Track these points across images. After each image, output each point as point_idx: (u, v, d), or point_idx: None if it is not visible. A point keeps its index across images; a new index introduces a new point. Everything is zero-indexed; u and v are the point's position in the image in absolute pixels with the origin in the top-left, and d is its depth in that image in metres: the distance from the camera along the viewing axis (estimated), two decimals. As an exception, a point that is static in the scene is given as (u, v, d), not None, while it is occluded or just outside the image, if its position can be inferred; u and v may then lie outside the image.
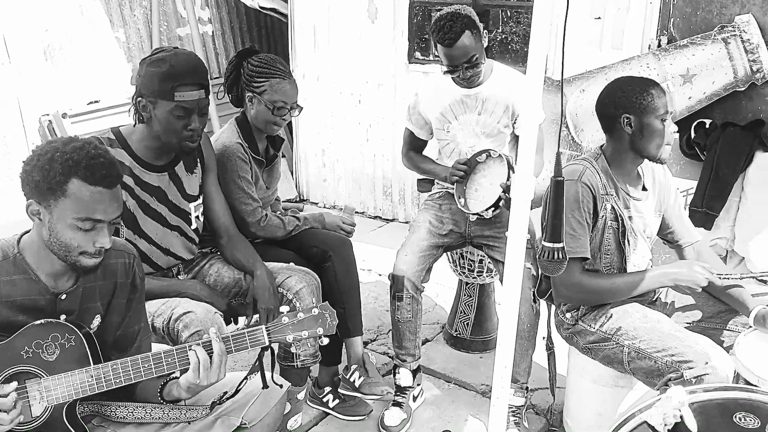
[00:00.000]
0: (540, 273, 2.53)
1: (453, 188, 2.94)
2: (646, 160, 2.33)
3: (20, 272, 1.71)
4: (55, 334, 1.70)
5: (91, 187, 1.62)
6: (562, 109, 1.62)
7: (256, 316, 2.49)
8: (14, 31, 4.65)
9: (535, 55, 1.45)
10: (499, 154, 2.74)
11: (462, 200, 2.87)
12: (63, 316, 1.74)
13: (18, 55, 4.68)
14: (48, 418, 1.70)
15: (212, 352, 1.73)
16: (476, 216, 2.83)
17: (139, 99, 2.26)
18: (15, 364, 1.67)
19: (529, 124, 1.55)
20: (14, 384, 1.66)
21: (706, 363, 2.00)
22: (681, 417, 1.63)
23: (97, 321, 1.83)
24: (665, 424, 1.64)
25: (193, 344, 1.74)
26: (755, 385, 1.90)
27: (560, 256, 1.61)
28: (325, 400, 2.89)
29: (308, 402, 2.92)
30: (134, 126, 2.33)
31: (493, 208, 2.73)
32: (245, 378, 1.87)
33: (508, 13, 7.85)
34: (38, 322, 1.69)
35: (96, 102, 5.06)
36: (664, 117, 2.24)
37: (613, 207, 2.28)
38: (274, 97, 2.61)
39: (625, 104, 2.25)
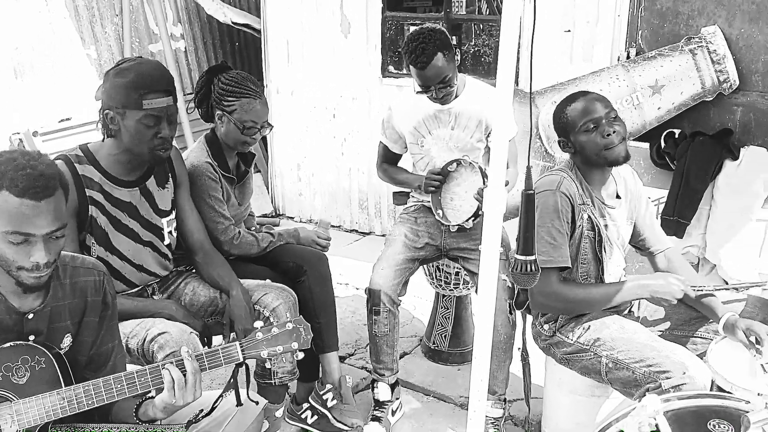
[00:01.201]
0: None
1: (428, 201, 2.96)
2: (615, 168, 2.36)
3: None
4: (24, 357, 1.66)
5: (17, 199, 1.55)
6: (531, 123, 1.63)
7: (233, 335, 2.47)
8: (-17, 50, 4.60)
9: (505, 69, 1.47)
10: (470, 162, 2.76)
11: (440, 212, 2.88)
12: (32, 337, 1.71)
13: (-13, 73, 4.63)
14: (19, 443, 1.67)
15: (186, 371, 1.70)
16: (456, 226, 2.84)
17: (107, 111, 2.23)
18: (-16, 388, 1.64)
19: (499, 136, 1.57)
20: None
21: (684, 373, 2.02)
22: (656, 425, 1.64)
23: (68, 341, 1.80)
24: (640, 433, 1.65)
25: (167, 363, 1.72)
26: (728, 392, 1.92)
27: (533, 268, 1.61)
28: (303, 416, 2.86)
29: (286, 419, 2.89)
30: (102, 141, 2.30)
31: (473, 218, 2.75)
32: (220, 396, 1.85)
33: (481, 26, 7.94)
34: (6, 345, 1.66)
35: (67, 120, 5.00)
36: (588, 126, 2.26)
37: (589, 216, 2.31)
38: (243, 117, 2.60)
39: (557, 128, 2.36)
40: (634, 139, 3.73)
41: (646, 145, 3.73)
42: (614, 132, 2.24)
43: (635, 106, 3.74)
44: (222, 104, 2.62)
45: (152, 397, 1.78)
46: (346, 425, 2.75)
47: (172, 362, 1.72)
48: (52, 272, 1.75)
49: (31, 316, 1.71)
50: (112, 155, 2.29)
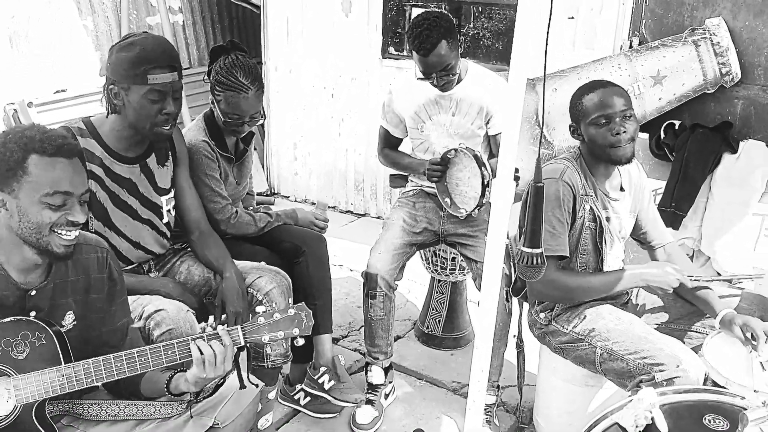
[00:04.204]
0: (514, 272, 2.54)
1: (429, 186, 2.95)
2: None
3: None
4: (25, 332, 1.66)
5: (51, 159, 1.59)
6: (543, 112, 1.62)
7: (224, 317, 2.46)
8: (-22, 17, 4.52)
9: (518, 60, 1.45)
10: (466, 149, 2.75)
11: (447, 200, 2.87)
12: (33, 313, 1.71)
13: (-18, 42, 4.56)
14: (16, 418, 1.67)
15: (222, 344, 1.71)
16: (465, 214, 2.83)
17: (111, 87, 2.21)
18: (-17, 362, 1.64)
19: (510, 127, 1.55)
20: None
21: (678, 366, 2.03)
22: (652, 418, 1.65)
23: (70, 318, 1.80)
24: (636, 426, 1.66)
25: (197, 337, 1.72)
26: (724, 387, 1.94)
27: (539, 261, 1.61)
28: (296, 397, 2.88)
29: (279, 399, 2.90)
30: (107, 117, 2.28)
31: (478, 207, 2.75)
32: (222, 378, 1.85)
33: (480, 9, 7.88)
34: (7, 319, 1.66)
35: (63, 91, 4.94)
36: (599, 120, 2.25)
37: (591, 207, 2.31)
38: (228, 110, 2.56)
39: (571, 113, 2.35)
40: (633, 130, 3.72)
41: (646, 135, 3.73)
42: (624, 131, 2.23)
43: (636, 96, 3.72)
44: (213, 91, 2.60)
45: (183, 371, 1.79)
46: (349, 401, 2.76)
47: (202, 337, 1.72)
48: None
49: (33, 292, 1.71)
50: (114, 130, 2.28)
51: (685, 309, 2.41)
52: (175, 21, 5.80)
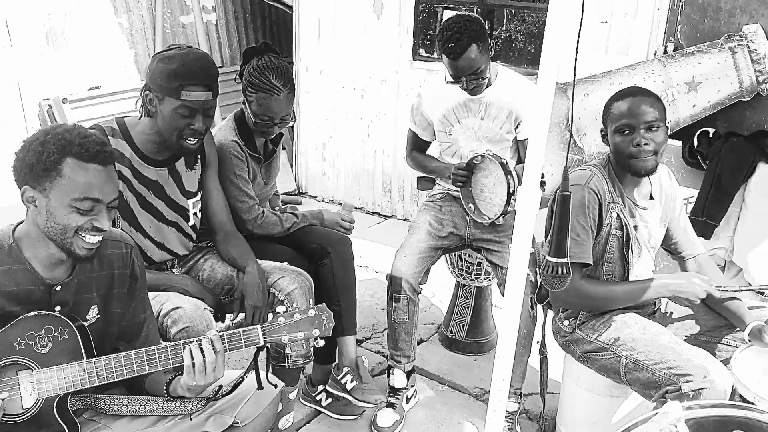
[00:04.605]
0: (540, 279, 2.51)
1: (455, 190, 2.93)
2: None
3: (15, 262, 1.69)
4: (48, 327, 1.68)
5: (86, 165, 1.61)
6: (572, 117, 1.58)
7: (242, 314, 2.47)
8: (16, 14, 4.60)
9: (548, 65, 1.43)
10: (492, 155, 2.72)
11: (471, 206, 2.85)
12: (58, 308, 1.73)
13: (19, 39, 4.64)
14: (38, 411, 1.68)
15: (205, 355, 1.70)
16: (488, 221, 2.81)
17: (147, 92, 2.24)
18: (7, 355, 1.66)
19: (537, 133, 1.53)
20: (5, 394, 1.64)
21: (705, 377, 1.98)
22: (677, 433, 1.61)
23: (93, 312, 1.81)
24: (661, 439, 1.62)
25: (191, 343, 1.72)
26: (752, 403, 1.89)
27: (564, 271, 1.59)
28: (318, 398, 2.88)
29: (301, 400, 2.90)
30: (139, 119, 2.30)
31: (503, 215, 2.72)
32: (241, 377, 1.85)
33: (513, 12, 7.83)
34: (32, 313, 1.67)
35: (97, 88, 5.02)
36: (622, 129, 2.21)
37: (618, 215, 2.27)
38: (259, 111, 2.57)
39: (602, 118, 2.32)
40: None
41: (679, 143, 3.66)
42: (646, 144, 2.19)
43: (670, 103, 3.65)
44: (245, 92, 2.61)
45: (181, 374, 1.79)
46: (369, 402, 2.75)
47: (194, 341, 1.72)
48: None
49: (59, 287, 1.73)
50: (145, 134, 2.30)
51: (715, 321, 2.35)
52: (208, 20, 5.85)
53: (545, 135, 1.53)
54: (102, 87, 5.04)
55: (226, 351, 1.75)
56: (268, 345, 1.79)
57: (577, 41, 1.38)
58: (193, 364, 1.70)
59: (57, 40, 4.89)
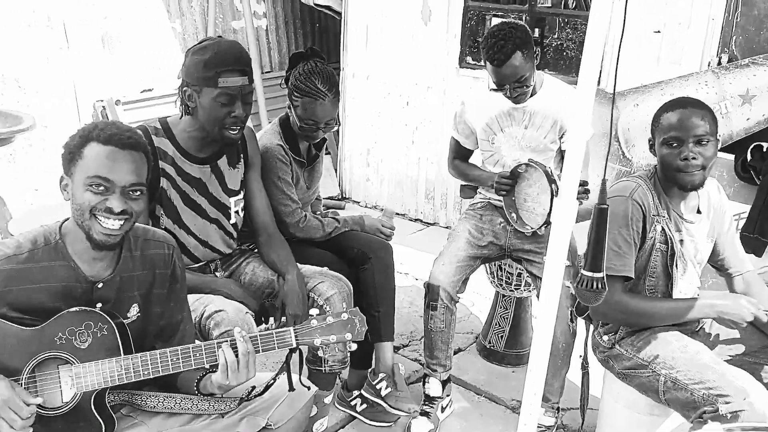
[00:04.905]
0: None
1: (496, 199, 2.90)
2: None
3: (60, 259, 1.73)
4: (88, 322, 1.71)
5: (104, 147, 1.65)
6: (611, 131, 1.55)
7: (284, 319, 2.48)
8: (74, 17, 4.74)
9: (587, 74, 1.40)
10: (537, 164, 2.68)
11: (514, 215, 2.81)
12: (99, 305, 1.76)
13: (76, 41, 4.78)
14: (76, 405, 1.72)
15: (238, 353, 1.72)
16: (531, 231, 2.77)
17: (185, 89, 2.28)
18: (48, 349, 1.69)
19: (576, 145, 1.50)
20: (40, 399, 1.67)
21: (744, 399, 1.92)
22: (716, 456, 1.56)
23: (134, 311, 1.85)
24: (700, 462, 1.58)
25: (223, 342, 1.74)
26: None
27: (599, 285, 1.55)
28: (353, 403, 2.88)
29: (336, 404, 2.91)
30: (180, 118, 2.35)
31: (545, 225, 2.68)
32: (273, 378, 1.86)
33: (565, 20, 7.74)
34: (73, 309, 1.71)
35: (149, 90, 5.13)
36: (670, 142, 2.15)
37: (663, 229, 2.21)
38: (304, 115, 2.59)
39: (651, 129, 2.26)
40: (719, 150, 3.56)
41: (731, 156, 3.56)
42: (694, 158, 2.13)
43: (723, 115, 3.56)
44: (291, 96, 2.63)
45: (213, 371, 1.81)
46: (402, 410, 2.74)
47: (227, 341, 1.74)
48: (124, 243, 1.80)
49: (101, 285, 1.76)
50: (186, 131, 2.34)
51: (761, 341, 2.28)
52: (258, 25, 5.94)
53: (583, 145, 1.50)
54: (154, 89, 5.15)
55: (259, 352, 1.76)
56: (301, 347, 1.80)
57: (619, 50, 1.35)
58: (226, 363, 1.71)
59: (112, 42, 5.01)
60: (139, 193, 1.70)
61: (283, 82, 2.73)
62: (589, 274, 1.55)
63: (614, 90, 1.37)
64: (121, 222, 1.68)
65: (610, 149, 1.53)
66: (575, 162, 1.48)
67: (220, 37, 2.35)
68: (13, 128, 3.87)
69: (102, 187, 1.65)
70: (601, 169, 3.59)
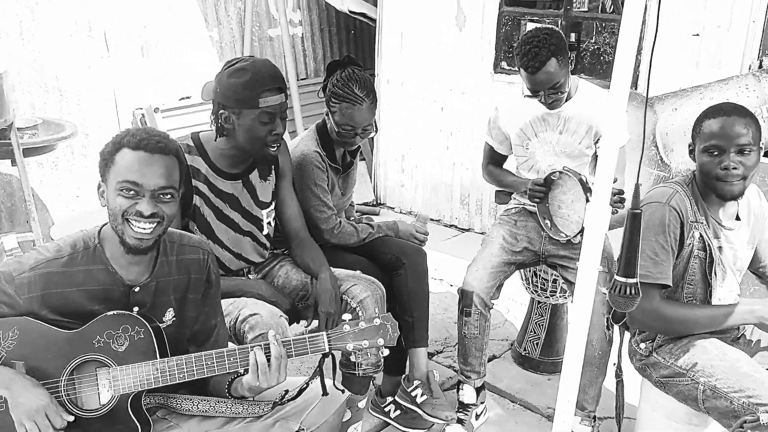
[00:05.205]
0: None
1: (531, 205, 2.88)
2: None
3: (98, 263, 1.76)
4: (125, 326, 1.74)
5: (134, 152, 1.68)
6: (644, 136, 1.52)
7: (314, 323, 2.50)
8: (114, 26, 4.85)
9: (620, 77, 1.38)
10: (570, 170, 2.65)
11: (548, 222, 2.79)
12: (136, 308, 1.79)
13: (116, 50, 4.88)
14: (113, 407, 1.75)
15: (270, 356, 1.74)
16: (566, 239, 2.75)
17: (221, 112, 2.29)
18: (87, 352, 1.73)
19: (609, 151, 1.48)
20: (70, 418, 1.70)
21: (787, 408, 1.87)
22: (756, 466, 1.53)
23: (170, 315, 1.88)
24: (739, 473, 1.54)
25: (255, 346, 1.76)
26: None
27: (633, 291, 1.53)
28: (387, 409, 2.87)
29: (370, 410, 2.91)
30: (215, 140, 2.37)
31: (580, 233, 2.65)
32: (306, 383, 1.87)
33: (603, 24, 7.66)
34: (111, 313, 1.74)
35: (187, 98, 5.21)
36: (711, 150, 2.10)
37: (701, 235, 2.17)
38: (341, 121, 2.61)
39: (692, 134, 2.21)
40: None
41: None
42: (735, 168, 2.08)
43: (764, 120, 3.48)
44: (329, 103, 2.64)
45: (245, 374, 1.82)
46: (440, 418, 2.73)
47: (260, 345, 1.75)
48: (160, 247, 1.83)
49: (137, 289, 1.79)
50: (219, 149, 2.37)
51: (804, 350, 2.22)
52: (294, 33, 5.99)
53: (616, 151, 1.48)
54: (192, 97, 5.23)
55: (291, 356, 1.77)
56: (334, 352, 1.80)
57: (652, 54, 1.33)
58: (257, 364, 1.73)
59: (151, 51, 5.11)
60: (170, 196, 1.72)
61: (320, 91, 2.76)
62: (623, 279, 1.53)
63: (647, 94, 1.35)
64: (153, 225, 1.70)
65: (643, 154, 1.50)
66: (608, 168, 1.46)
67: (252, 56, 2.37)
68: (55, 135, 3.97)
69: (132, 192, 1.68)
70: (640, 175, 3.53)
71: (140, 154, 1.68)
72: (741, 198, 2.17)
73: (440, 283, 4.28)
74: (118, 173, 1.68)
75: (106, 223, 1.80)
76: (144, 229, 1.69)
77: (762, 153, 2.18)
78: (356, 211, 4.25)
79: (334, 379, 1.90)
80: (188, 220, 2.36)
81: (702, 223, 2.17)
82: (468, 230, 5.31)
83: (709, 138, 2.11)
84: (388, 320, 1.80)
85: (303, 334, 1.82)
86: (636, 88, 4.13)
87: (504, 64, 4.88)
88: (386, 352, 1.83)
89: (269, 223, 2.53)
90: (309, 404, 1.93)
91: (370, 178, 5.86)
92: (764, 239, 2.34)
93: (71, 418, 1.70)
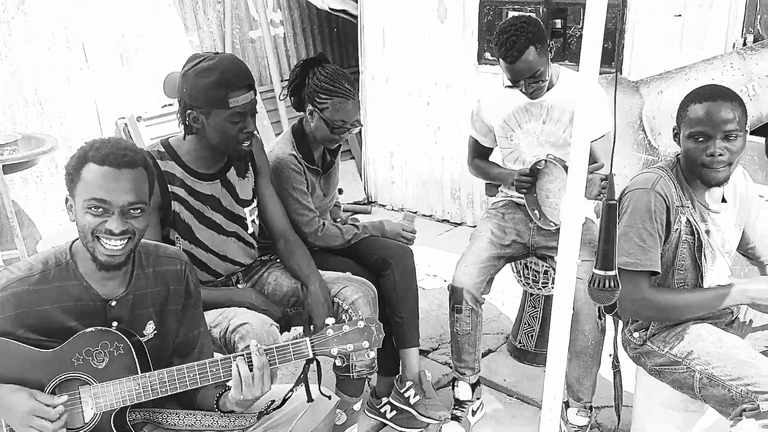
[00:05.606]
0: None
1: (518, 197, 2.84)
2: None
3: (72, 278, 1.73)
4: (104, 342, 1.71)
5: (100, 167, 1.62)
6: (614, 117, 1.48)
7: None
8: (92, 37, 4.80)
9: (588, 65, 1.34)
10: (554, 158, 2.62)
11: (536, 212, 2.76)
12: (114, 323, 1.76)
13: (95, 60, 4.83)
14: (97, 425, 1.72)
15: (253, 366, 1.70)
16: (556, 228, 2.71)
17: (189, 111, 2.24)
18: (66, 370, 1.70)
19: (581, 140, 1.44)
20: (65, 397, 1.68)
21: (785, 395, 1.84)
22: (753, 454, 1.49)
23: (150, 328, 1.84)
24: (736, 461, 1.51)
25: (237, 356, 1.72)
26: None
27: (612, 284, 1.49)
28: (382, 410, 2.84)
29: (366, 412, 2.88)
30: (184, 139, 2.32)
31: None
32: (291, 390, 1.84)
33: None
34: (89, 329, 1.70)
35: (170, 105, 5.16)
36: (698, 136, 2.06)
37: (688, 220, 2.13)
38: (335, 116, 2.57)
39: (677, 117, 2.16)
40: (749, 133, 3.45)
41: (762, 139, 3.45)
42: (720, 155, 2.03)
43: (750, 97, 3.45)
44: (315, 100, 2.59)
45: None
46: (433, 418, 2.71)
47: (242, 356, 1.71)
48: (136, 260, 1.79)
49: (114, 303, 1.76)
50: (192, 150, 2.32)
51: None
52: (276, 33, 5.94)
53: (587, 139, 1.44)
54: (174, 104, 5.18)
55: (275, 365, 1.74)
56: (318, 358, 1.77)
57: (617, 35, 1.29)
58: (240, 376, 1.69)
59: (131, 59, 5.06)
60: (139, 211, 1.67)
61: (285, 89, 2.71)
62: (602, 273, 1.49)
63: (616, 78, 1.31)
64: (124, 242, 1.66)
65: (615, 142, 1.46)
66: (582, 156, 1.42)
67: (218, 53, 2.32)
68: (35, 150, 3.93)
69: (100, 209, 1.63)
70: (628, 160, 3.51)
71: (106, 169, 1.63)
72: (726, 183, 2.13)
73: (434, 279, 4.25)
74: (85, 190, 1.63)
75: (77, 238, 1.76)
76: (115, 246, 1.65)
77: (748, 134, 2.15)
78: (346, 211, 4.22)
79: (320, 385, 1.86)
80: (169, 228, 2.31)
81: (688, 207, 2.14)
82: (460, 224, 5.28)
83: (694, 124, 2.07)
84: (373, 322, 1.77)
85: (287, 341, 1.78)
86: (621, 73, 4.10)
87: (488, 54, 4.83)
88: (372, 354, 1.79)
89: (253, 221, 2.49)
90: (297, 412, 1.90)
91: (361, 176, 5.82)
92: (751, 221, 2.30)
93: (64, 398, 1.67)
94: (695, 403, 2.23)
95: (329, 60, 2.69)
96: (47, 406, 1.64)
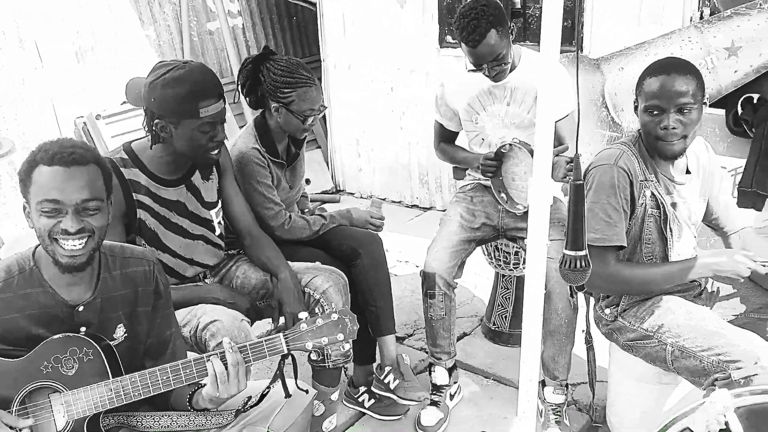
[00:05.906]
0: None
1: (486, 180, 2.84)
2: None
3: (36, 285, 1.69)
4: (73, 348, 1.68)
5: (49, 168, 1.59)
6: (578, 99, 1.48)
7: (282, 319, 2.44)
8: (45, 35, 4.68)
9: (548, 45, 1.34)
10: (519, 142, 2.63)
11: (503, 195, 2.77)
12: (83, 329, 1.72)
13: (50, 59, 4.72)
14: (70, 433, 1.68)
15: (227, 364, 1.68)
16: (523, 210, 2.72)
17: (157, 121, 2.18)
18: (36, 379, 1.66)
19: (544, 121, 1.44)
20: (30, 421, 1.65)
21: (755, 363, 1.87)
22: (726, 423, 1.52)
23: (120, 331, 1.80)
24: (709, 431, 1.53)
25: (212, 355, 1.70)
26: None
27: (583, 264, 1.50)
28: (360, 399, 2.84)
29: (344, 402, 2.87)
30: (151, 147, 2.26)
31: None
32: (267, 387, 1.82)
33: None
34: (56, 336, 1.67)
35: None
36: (652, 109, 2.08)
37: (653, 193, 2.15)
38: (302, 107, 2.54)
39: (635, 92, 2.18)
40: (709, 106, 3.49)
41: (722, 111, 3.49)
42: (674, 128, 2.05)
43: (709, 70, 3.49)
44: (277, 96, 2.55)
45: (204, 386, 1.77)
46: (413, 399, 2.71)
47: (216, 354, 1.69)
48: (102, 263, 1.76)
49: (81, 308, 1.72)
50: (157, 157, 2.27)
51: (763, 299, 2.23)
52: (234, 24, 5.86)
53: (551, 119, 1.44)
54: (135, 101, 5.09)
55: (250, 362, 1.72)
56: (293, 353, 1.75)
57: (577, 12, 1.29)
58: (215, 374, 1.67)
59: (87, 57, 4.95)
60: (95, 208, 1.64)
61: (239, 88, 2.66)
62: (572, 253, 1.49)
63: (577, 56, 1.31)
64: (83, 240, 1.62)
65: (579, 119, 1.46)
66: (546, 136, 1.42)
67: (187, 62, 2.25)
68: (-8, 154, 3.83)
69: (54, 210, 1.59)
70: (591, 137, 3.53)
71: (56, 169, 1.59)
72: (681, 156, 2.15)
73: (406, 264, 4.25)
74: (37, 192, 1.59)
75: (39, 244, 1.72)
76: (74, 246, 1.61)
77: (708, 103, 2.17)
78: (314, 201, 4.19)
79: (296, 379, 1.85)
80: (134, 235, 2.27)
81: (652, 181, 2.16)
82: (430, 209, 5.28)
83: (649, 97, 2.09)
84: (346, 314, 1.76)
85: (261, 336, 1.76)
86: (582, 51, 4.12)
87: (449, 38, 4.82)
88: (348, 347, 1.78)
89: (219, 222, 2.45)
90: (275, 407, 1.89)
91: (327, 165, 5.78)
92: (714, 193, 2.34)
93: (29, 422, 1.64)
94: (668, 376, 2.27)
95: (275, 51, 2.67)
96: (11, 429, 1.61)
